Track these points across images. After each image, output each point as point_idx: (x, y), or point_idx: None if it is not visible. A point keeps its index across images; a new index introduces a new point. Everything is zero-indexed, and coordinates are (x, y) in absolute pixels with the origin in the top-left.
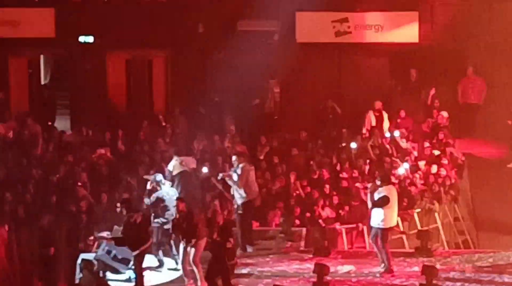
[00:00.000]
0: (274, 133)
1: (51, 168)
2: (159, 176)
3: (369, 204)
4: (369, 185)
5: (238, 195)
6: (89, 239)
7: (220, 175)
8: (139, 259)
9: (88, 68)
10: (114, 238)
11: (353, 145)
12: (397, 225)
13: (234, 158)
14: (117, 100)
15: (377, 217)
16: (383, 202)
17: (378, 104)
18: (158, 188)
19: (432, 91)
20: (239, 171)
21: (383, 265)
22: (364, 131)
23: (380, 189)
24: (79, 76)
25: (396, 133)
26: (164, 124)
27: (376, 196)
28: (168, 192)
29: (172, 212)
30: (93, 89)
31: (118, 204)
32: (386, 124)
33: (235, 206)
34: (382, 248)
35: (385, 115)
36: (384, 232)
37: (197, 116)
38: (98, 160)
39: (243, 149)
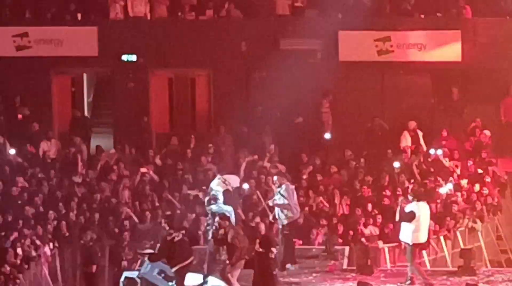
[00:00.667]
0: (318, 151)
1: (94, 187)
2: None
3: (397, 218)
4: (400, 198)
5: (284, 216)
6: (128, 257)
7: (270, 202)
8: (179, 276)
9: (131, 87)
10: (149, 254)
11: (396, 164)
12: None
13: (275, 178)
14: (160, 118)
15: (405, 232)
16: (408, 217)
17: (412, 124)
18: (217, 201)
19: (473, 124)
20: (283, 192)
21: (408, 282)
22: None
23: (410, 204)
24: (122, 94)
25: (439, 152)
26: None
27: (406, 211)
28: (228, 208)
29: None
30: (136, 107)
31: (163, 220)
32: (422, 143)
33: (280, 227)
34: (410, 264)
35: (420, 134)
36: (411, 247)
37: (240, 135)
38: (141, 178)
39: (282, 169)
